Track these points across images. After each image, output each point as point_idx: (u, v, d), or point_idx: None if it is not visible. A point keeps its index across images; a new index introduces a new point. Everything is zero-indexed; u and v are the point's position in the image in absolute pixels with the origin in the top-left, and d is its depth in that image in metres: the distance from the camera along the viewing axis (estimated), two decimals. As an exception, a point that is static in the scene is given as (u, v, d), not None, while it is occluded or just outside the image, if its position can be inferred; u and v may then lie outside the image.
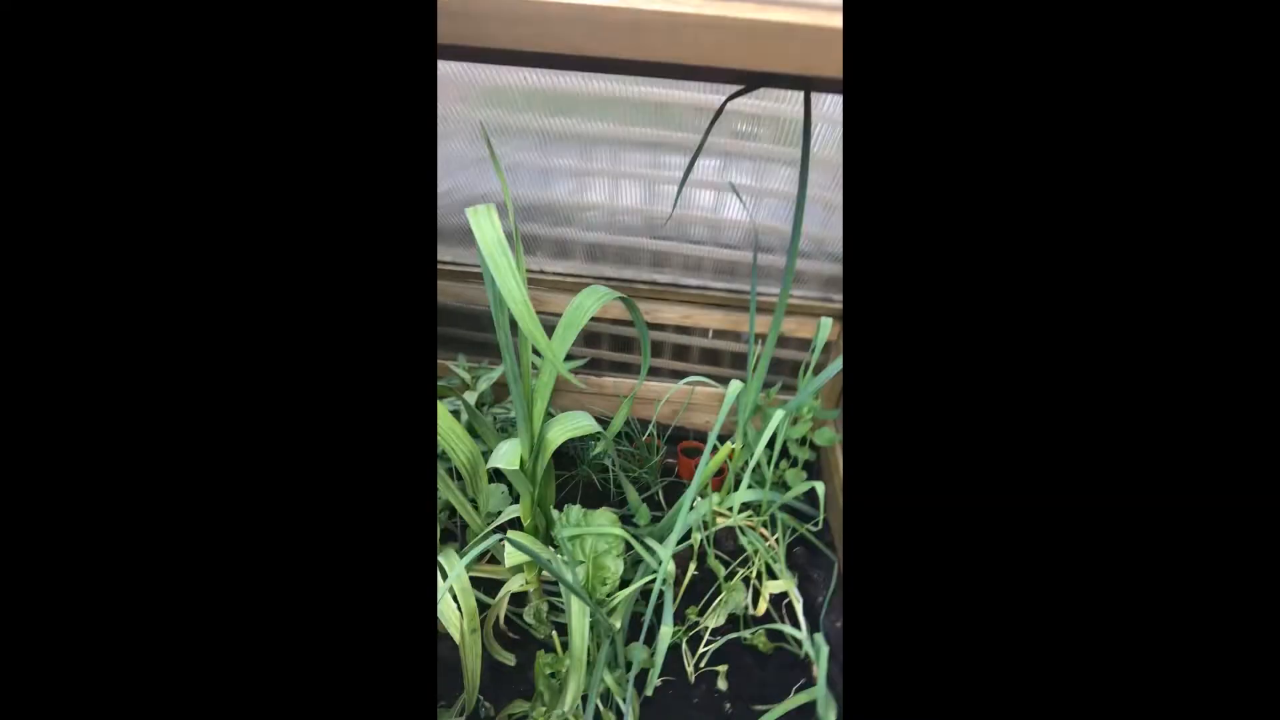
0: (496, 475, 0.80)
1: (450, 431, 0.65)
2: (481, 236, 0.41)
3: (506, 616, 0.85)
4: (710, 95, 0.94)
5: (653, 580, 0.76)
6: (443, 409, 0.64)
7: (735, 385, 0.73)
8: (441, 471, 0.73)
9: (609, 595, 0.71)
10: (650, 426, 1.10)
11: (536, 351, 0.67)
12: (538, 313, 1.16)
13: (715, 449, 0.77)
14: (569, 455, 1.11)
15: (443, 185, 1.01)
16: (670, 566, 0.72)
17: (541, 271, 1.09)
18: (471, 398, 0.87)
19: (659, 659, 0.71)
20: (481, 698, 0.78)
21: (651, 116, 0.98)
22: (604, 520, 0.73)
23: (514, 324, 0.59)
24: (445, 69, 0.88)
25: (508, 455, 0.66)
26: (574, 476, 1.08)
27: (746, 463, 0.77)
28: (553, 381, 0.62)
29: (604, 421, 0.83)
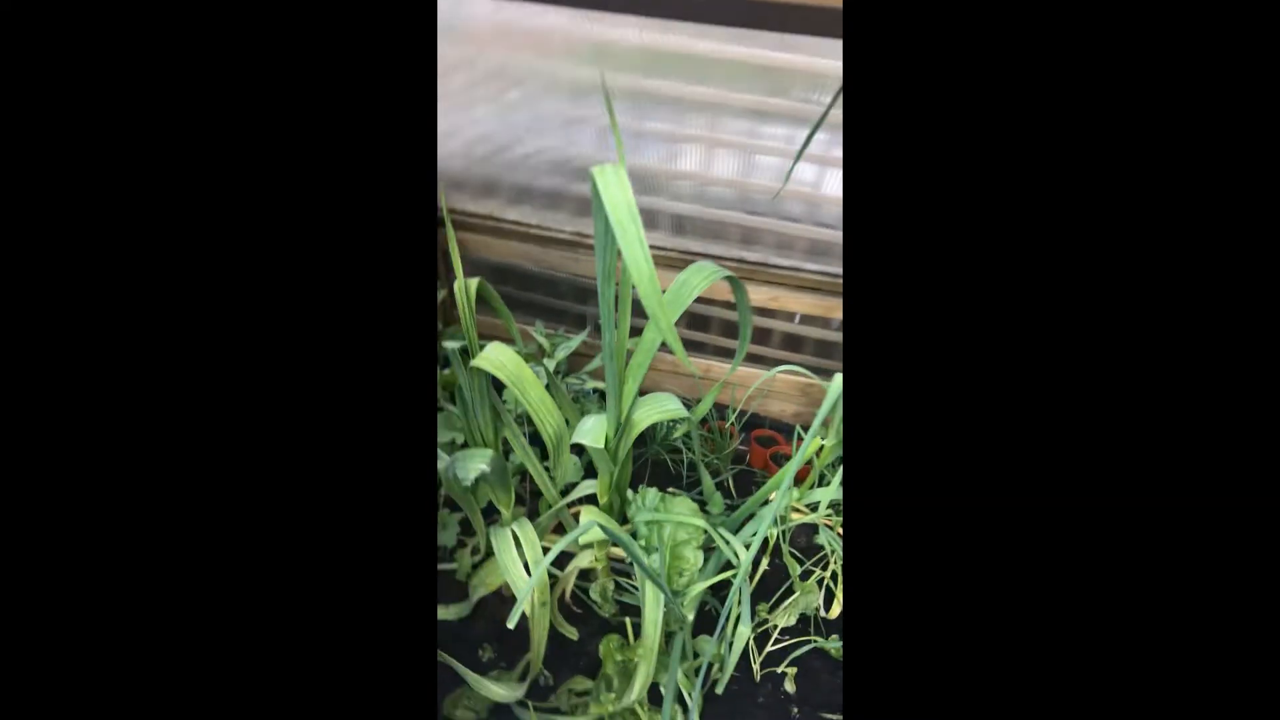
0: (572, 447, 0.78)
1: (540, 403, 0.63)
2: (610, 200, 0.37)
3: (572, 592, 0.84)
4: (821, 60, 0.87)
5: (726, 573, 0.73)
6: (532, 377, 0.62)
7: (840, 379, 0.67)
8: (522, 438, 0.72)
9: (685, 586, 0.68)
10: (730, 413, 1.05)
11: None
12: (617, 284, 1.13)
13: (799, 439, 0.72)
14: (640, 433, 1.08)
15: (531, 145, 0.97)
16: (747, 560, 0.69)
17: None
18: (550, 365, 0.85)
19: (733, 658, 0.68)
20: (542, 667, 0.78)
21: (753, 81, 0.91)
22: (684, 508, 0.70)
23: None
24: (546, 20, 0.84)
25: (593, 432, 0.63)
26: (644, 455, 1.05)
27: (840, 459, 0.71)
28: (649, 361, 0.59)
29: (684, 403, 0.79)
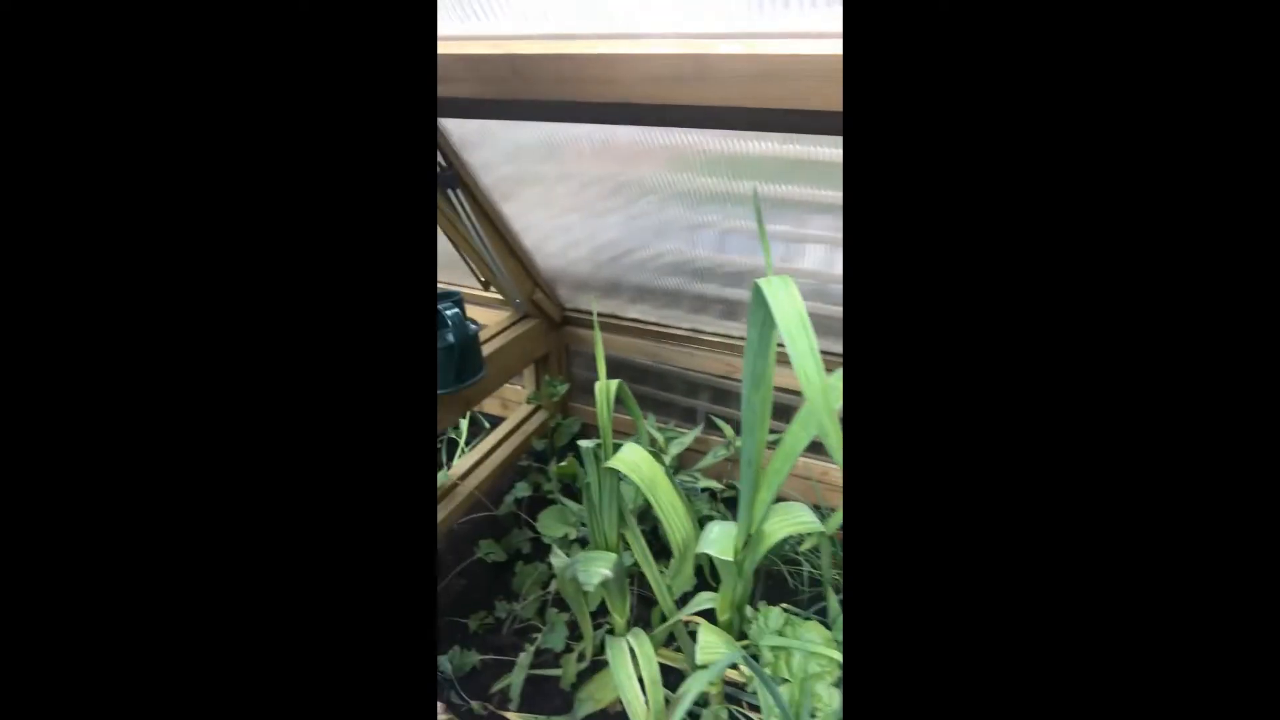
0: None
1: (671, 508, 0.60)
2: (780, 311, 0.36)
3: None
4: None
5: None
6: (665, 480, 0.60)
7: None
8: (643, 542, 0.69)
9: (818, 729, 0.60)
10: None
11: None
12: (727, 379, 1.11)
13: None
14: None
15: (656, 248, 1.02)
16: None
17: (741, 338, 1.05)
18: (666, 461, 0.83)
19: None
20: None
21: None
22: (814, 635, 0.63)
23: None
24: (671, 138, 0.90)
25: (720, 542, 0.60)
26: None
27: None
28: (788, 469, 0.56)
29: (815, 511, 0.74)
